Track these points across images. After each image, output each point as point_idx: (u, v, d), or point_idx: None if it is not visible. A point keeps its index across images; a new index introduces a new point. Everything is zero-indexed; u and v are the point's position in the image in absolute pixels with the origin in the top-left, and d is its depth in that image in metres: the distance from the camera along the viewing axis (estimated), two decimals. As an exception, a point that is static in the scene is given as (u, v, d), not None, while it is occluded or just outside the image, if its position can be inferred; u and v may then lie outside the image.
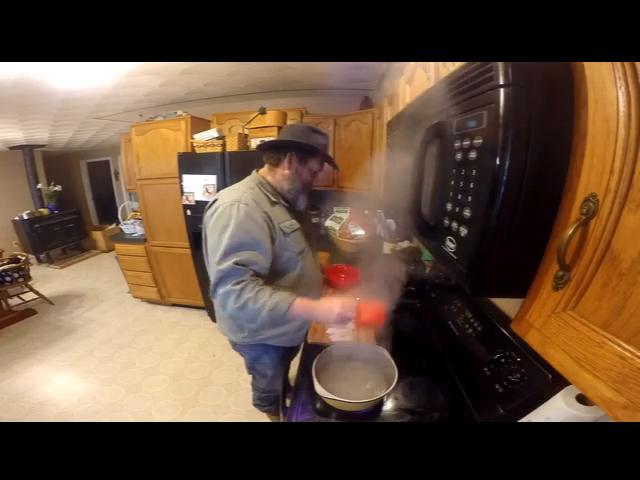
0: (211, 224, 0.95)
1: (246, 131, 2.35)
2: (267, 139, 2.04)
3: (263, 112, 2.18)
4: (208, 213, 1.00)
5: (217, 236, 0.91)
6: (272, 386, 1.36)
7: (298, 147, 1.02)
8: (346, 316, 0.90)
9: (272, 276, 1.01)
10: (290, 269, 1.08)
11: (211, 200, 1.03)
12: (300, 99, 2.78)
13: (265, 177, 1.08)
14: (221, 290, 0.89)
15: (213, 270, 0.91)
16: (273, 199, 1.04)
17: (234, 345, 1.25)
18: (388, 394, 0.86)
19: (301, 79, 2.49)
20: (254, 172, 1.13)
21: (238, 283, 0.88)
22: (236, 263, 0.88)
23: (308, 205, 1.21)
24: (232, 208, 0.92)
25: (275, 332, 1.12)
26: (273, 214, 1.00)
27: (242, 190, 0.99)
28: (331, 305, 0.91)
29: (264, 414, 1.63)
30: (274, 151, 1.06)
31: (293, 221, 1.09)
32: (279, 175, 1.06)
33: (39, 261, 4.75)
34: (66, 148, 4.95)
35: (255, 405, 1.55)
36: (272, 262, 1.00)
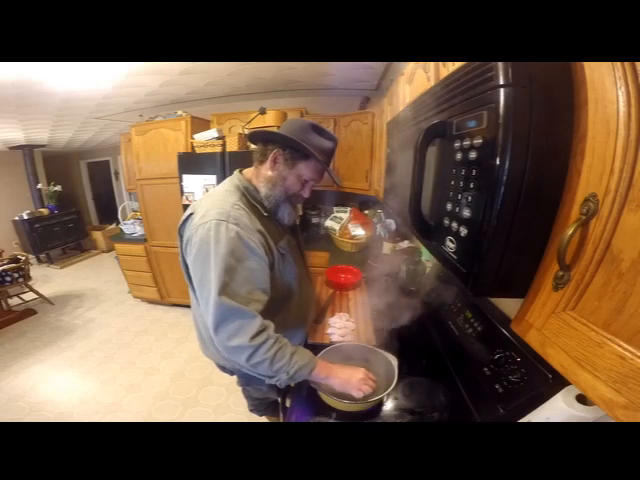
0: (194, 252, 0.77)
1: (246, 131, 2.35)
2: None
3: (263, 112, 2.18)
4: (186, 235, 0.81)
5: (205, 268, 0.74)
6: (266, 394, 1.25)
7: (287, 144, 0.82)
8: (365, 386, 0.83)
9: (275, 305, 0.87)
10: (285, 293, 0.95)
11: (185, 214, 0.84)
12: (300, 99, 2.78)
13: (251, 180, 0.89)
14: (232, 342, 0.73)
15: (208, 309, 0.74)
16: (265, 213, 0.87)
17: (223, 369, 1.08)
18: (388, 394, 0.86)
19: (301, 79, 2.49)
20: (236, 173, 0.92)
21: (254, 338, 0.73)
22: (235, 301, 0.73)
23: (307, 205, 1.14)
24: (219, 229, 0.74)
25: None
26: (269, 232, 0.84)
27: (227, 204, 0.79)
28: (352, 372, 0.85)
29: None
30: (263, 144, 0.87)
31: (288, 237, 0.94)
32: (261, 176, 0.87)
33: (39, 261, 4.74)
34: (66, 148, 4.95)
35: (251, 411, 1.52)
36: (274, 290, 0.86)
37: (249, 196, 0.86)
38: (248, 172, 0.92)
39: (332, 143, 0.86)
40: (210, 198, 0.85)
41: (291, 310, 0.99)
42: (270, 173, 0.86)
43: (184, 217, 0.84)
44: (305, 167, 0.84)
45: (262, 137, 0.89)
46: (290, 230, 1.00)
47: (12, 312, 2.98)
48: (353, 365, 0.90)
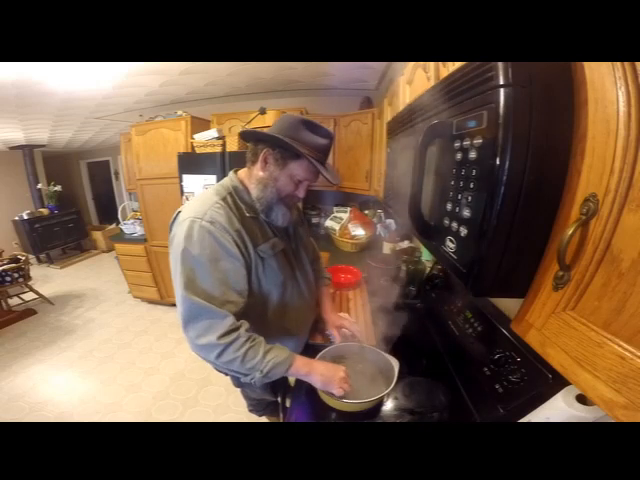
0: (171, 249, 0.80)
1: (246, 131, 2.35)
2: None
3: (263, 112, 2.18)
4: (171, 233, 0.83)
5: (176, 264, 0.77)
6: (264, 395, 1.23)
7: (276, 143, 0.78)
8: (346, 385, 0.82)
9: (249, 309, 0.82)
10: (262, 301, 0.89)
11: (175, 213, 0.85)
12: (300, 99, 2.78)
13: (243, 181, 0.87)
14: (201, 341, 0.73)
15: (178, 305, 0.76)
16: (248, 214, 0.83)
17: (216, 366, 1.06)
18: (388, 394, 0.86)
19: (301, 79, 2.49)
20: (231, 174, 0.90)
21: (222, 336, 0.72)
22: (208, 302, 0.72)
23: (307, 205, 1.09)
24: (193, 226, 0.74)
25: None
26: (249, 233, 0.81)
27: (209, 202, 0.79)
28: (335, 371, 0.82)
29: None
30: (254, 144, 0.84)
31: (275, 240, 0.88)
32: (253, 177, 0.85)
33: (39, 261, 4.74)
34: (66, 148, 4.95)
35: (250, 411, 1.51)
36: (248, 294, 0.82)
37: (236, 196, 0.84)
38: (242, 172, 0.90)
39: (326, 140, 0.80)
40: (197, 197, 0.87)
41: (271, 321, 0.92)
42: (261, 174, 0.83)
43: (174, 215, 0.85)
44: (297, 167, 0.80)
45: (252, 137, 0.86)
46: (285, 233, 0.95)
47: (12, 312, 2.98)
48: (336, 363, 0.89)
